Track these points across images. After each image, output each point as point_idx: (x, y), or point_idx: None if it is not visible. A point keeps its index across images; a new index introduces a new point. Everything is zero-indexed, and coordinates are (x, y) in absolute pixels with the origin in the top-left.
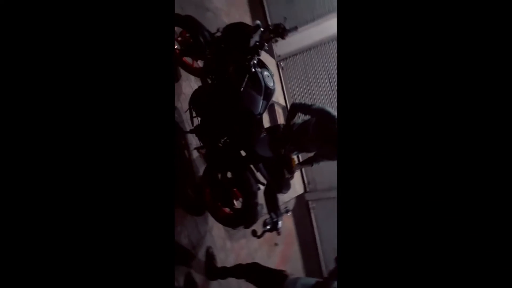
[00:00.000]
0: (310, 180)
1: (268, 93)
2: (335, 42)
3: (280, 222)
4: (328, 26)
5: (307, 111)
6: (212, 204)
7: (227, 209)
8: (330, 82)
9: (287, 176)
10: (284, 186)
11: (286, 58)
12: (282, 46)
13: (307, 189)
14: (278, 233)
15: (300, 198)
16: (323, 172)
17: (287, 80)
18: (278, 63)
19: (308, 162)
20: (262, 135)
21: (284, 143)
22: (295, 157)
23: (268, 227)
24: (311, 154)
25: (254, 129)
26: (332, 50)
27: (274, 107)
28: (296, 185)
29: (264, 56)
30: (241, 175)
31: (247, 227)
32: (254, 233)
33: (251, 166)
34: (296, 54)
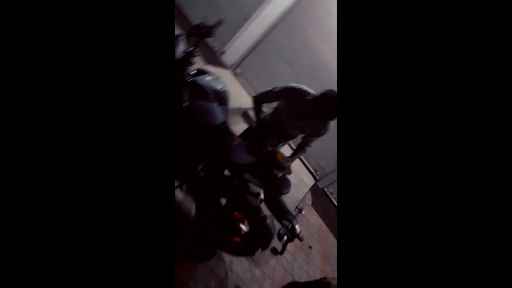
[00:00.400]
0: (316, 167)
1: (221, 96)
2: (278, 28)
3: (297, 226)
4: (266, 16)
5: (271, 97)
6: (219, 238)
7: (237, 238)
8: (290, 67)
9: (280, 174)
10: (282, 186)
11: (239, 64)
12: (230, 55)
13: (317, 177)
14: (300, 239)
15: (314, 189)
16: (324, 152)
17: (250, 83)
18: (234, 71)
19: (299, 149)
20: (235, 143)
21: (262, 141)
22: (282, 150)
23: (285, 237)
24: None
25: (223, 140)
26: (279, 37)
27: (248, 114)
28: (304, 177)
29: (218, 70)
30: (234, 195)
31: (265, 247)
32: (274, 251)
33: (240, 180)
34: (246, 56)
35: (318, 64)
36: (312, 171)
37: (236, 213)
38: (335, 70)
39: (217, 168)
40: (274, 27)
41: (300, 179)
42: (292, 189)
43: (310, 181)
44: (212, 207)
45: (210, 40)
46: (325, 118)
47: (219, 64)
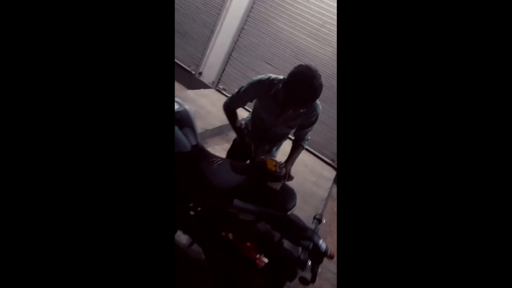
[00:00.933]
0: (332, 156)
1: (179, 119)
2: (245, 30)
3: (321, 242)
4: (229, 23)
5: (241, 100)
6: (242, 282)
7: (258, 276)
8: (269, 63)
9: (278, 186)
10: (285, 200)
11: (220, 79)
12: (208, 74)
13: (337, 167)
14: (331, 256)
15: None
16: (334, 138)
17: None
18: (217, 88)
19: (295, 147)
20: (216, 165)
21: (249, 152)
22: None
23: (309, 262)
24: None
25: (200, 166)
26: (248, 38)
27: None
28: (323, 172)
29: (202, 91)
30: (235, 226)
31: (292, 277)
32: (303, 282)
33: (235, 207)
34: (224, 70)
35: (296, 51)
36: (330, 161)
37: (248, 244)
38: (313, 52)
39: (205, 201)
40: (240, 30)
41: (319, 175)
42: (314, 188)
43: (331, 173)
44: (216, 246)
45: (185, 63)
46: (303, 101)
47: (202, 85)
